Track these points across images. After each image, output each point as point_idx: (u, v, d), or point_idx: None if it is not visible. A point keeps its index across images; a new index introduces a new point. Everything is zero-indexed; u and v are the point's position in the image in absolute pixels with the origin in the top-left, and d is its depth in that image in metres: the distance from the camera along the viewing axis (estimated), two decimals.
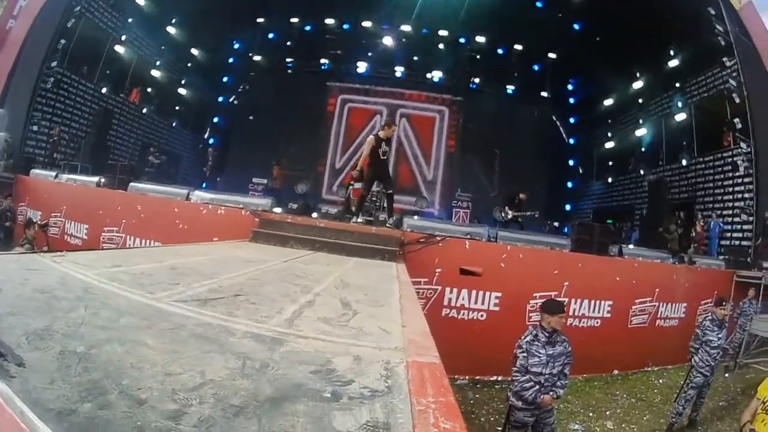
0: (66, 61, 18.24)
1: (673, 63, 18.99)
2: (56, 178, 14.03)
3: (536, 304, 9.74)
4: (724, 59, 16.31)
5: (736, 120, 16.10)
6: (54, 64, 17.74)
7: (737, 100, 15.96)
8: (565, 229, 21.33)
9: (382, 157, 10.91)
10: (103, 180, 13.04)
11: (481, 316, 9.94)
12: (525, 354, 5.68)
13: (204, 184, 22.97)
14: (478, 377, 9.49)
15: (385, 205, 12.02)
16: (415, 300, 4.43)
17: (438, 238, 10.01)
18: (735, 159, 16.21)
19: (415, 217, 13.06)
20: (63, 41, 17.83)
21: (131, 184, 12.51)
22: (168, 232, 10.92)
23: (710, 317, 8.27)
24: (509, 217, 16.25)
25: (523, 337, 5.81)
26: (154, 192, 12.33)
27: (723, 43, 16.11)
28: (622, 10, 18.04)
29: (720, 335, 8.12)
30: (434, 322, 9.43)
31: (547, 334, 5.69)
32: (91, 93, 19.96)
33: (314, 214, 13.22)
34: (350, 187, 14.79)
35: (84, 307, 2.72)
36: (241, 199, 11.49)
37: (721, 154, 17.06)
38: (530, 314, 9.87)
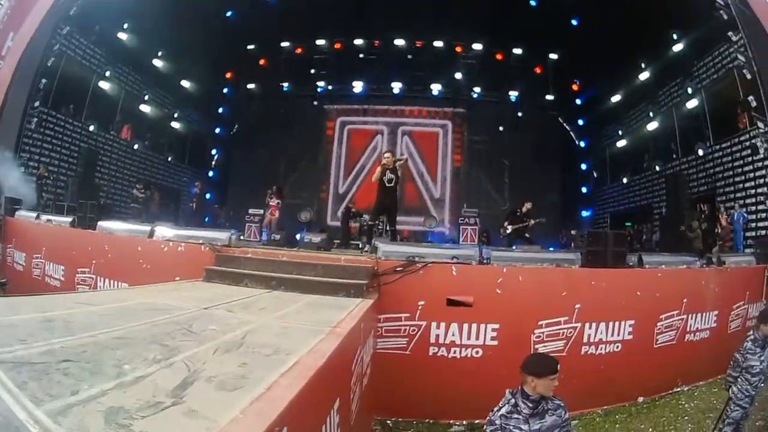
0: (50, 100, 17.99)
1: (678, 47, 17.95)
2: (37, 219, 13.63)
3: (542, 333, 8.55)
4: (730, 33, 15.26)
5: (750, 98, 14.91)
6: (37, 104, 17.44)
7: (748, 76, 14.86)
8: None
9: (387, 185, 11.32)
10: (76, 219, 12.52)
11: (477, 352, 8.46)
12: None
13: (207, 219, 22.54)
14: (477, 421, 8.02)
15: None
16: (311, 369, 3.19)
17: (418, 265, 8.55)
18: (753, 141, 15.02)
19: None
20: (44, 81, 17.55)
21: (99, 223, 11.82)
22: (132, 273, 10.05)
23: (752, 337, 6.86)
24: (509, 231, 15.27)
25: (495, 410, 4.11)
26: (121, 231, 11.55)
27: (725, 17, 15.03)
28: None
29: (763, 357, 6.66)
30: (421, 363, 8.14)
31: (531, 405, 3.99)
32: (79, 131, 19.57)
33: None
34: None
35: None
36: (201, 234, 10.53)
37: (738, 138, 15.79)
38: (536, 346, 8.50)
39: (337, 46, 24.83)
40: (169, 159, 25.00)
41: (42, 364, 2.95)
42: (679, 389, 9.82)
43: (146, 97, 22.49)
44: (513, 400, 4.05)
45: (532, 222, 15.20)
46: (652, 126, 20.25)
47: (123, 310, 4.98)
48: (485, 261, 9.26)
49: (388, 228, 12.14)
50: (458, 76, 24.75)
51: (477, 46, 23.87)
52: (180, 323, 4.44)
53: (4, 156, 16.29)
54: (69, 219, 12.84)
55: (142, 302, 5.49)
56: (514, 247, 13.90)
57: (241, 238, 16.55)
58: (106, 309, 4.89)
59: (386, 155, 11.69)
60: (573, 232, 21.51)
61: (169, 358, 3.29)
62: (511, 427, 3.98)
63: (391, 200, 11.61)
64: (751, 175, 15.30)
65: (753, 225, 15.01)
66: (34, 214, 13.90)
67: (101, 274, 10.99)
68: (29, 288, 11.21)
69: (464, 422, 8.33)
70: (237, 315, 5.18)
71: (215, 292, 6.71)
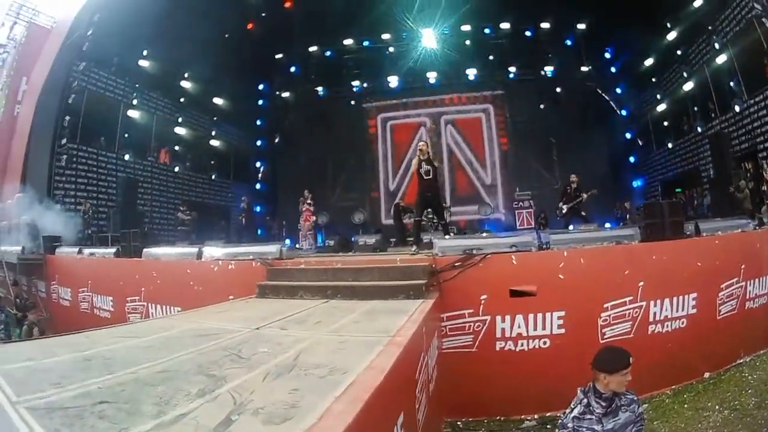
0: (78, 136, 18.17)
1: (697, 3, 17.75)
2: (79, 253, 13.68)
3: (608, 316, 8.04)
4: None
5: None
6: (64, 141, 17.66)
7: None
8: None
9: (425, 177, 10.95)
10: (120, 249, 12.59)
11: (544, 343, 8.06)
12: None
13: (260, 232, 22.49)
14: (549, 414, 7.67)
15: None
16: (368, 390, 2.80)
17: (477, 258, 8.16)
18: None
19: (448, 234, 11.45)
20: (68, 118, 17.72)
21: (144, 250, 11.84)
22: (184, 296, 9.93)
23: None
24: (564, 211, 14.71)
25: (568, 412, 3.78)
26: (168, 255, 11.52)
27: None
28: None
29: None
30: (489, 360, 8.24)
31: (604, 404, 3.65)
32: (114, 162, 19.74)
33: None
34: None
35: None
36: (251, 249, 10.36)
37: None
38: (603, 330, 8.06)
39: (366, 43, 24.87)
40: (213, 177, 25.04)
41: (76, 408, 2.80)
42: (742, 360, 9.20)
43: (180, 120, 22.65)
44: (585, 400, 3.74)
45: (585, 196, 14.71)
46: (688, 87, 19.81)
47: (168, 339, 4.77)
48: (545, 246, 8.85)
49: (438, 223, 11.83)
50: (491, 58, 24.62)
51: (504, 26, 23.77)
52: (229, 348, 4.17)
53: (35, 197, 16.42)
54: (113, 250, 12.88)
55: (190, 328, 5.26)
56: (571, 227, 13.40)
57: (297, 246, 16.43)
58: (149, 341, 4.67)
59: (420, 144, 11.35)
60: (627, 204, 20.94)
61: (214, 390, 3.06)
62: (584, 429, 3.68)
63: (431, 193, 11.34)
64: None
65: None
66: (76, 249, 13.99)
67: (152, 301, 10.97)
68: (77, 323, 11.11)
69: (536, 416, 7.93)
70: (290, 332, 4.89)
71: (269, 309, 6.49)
